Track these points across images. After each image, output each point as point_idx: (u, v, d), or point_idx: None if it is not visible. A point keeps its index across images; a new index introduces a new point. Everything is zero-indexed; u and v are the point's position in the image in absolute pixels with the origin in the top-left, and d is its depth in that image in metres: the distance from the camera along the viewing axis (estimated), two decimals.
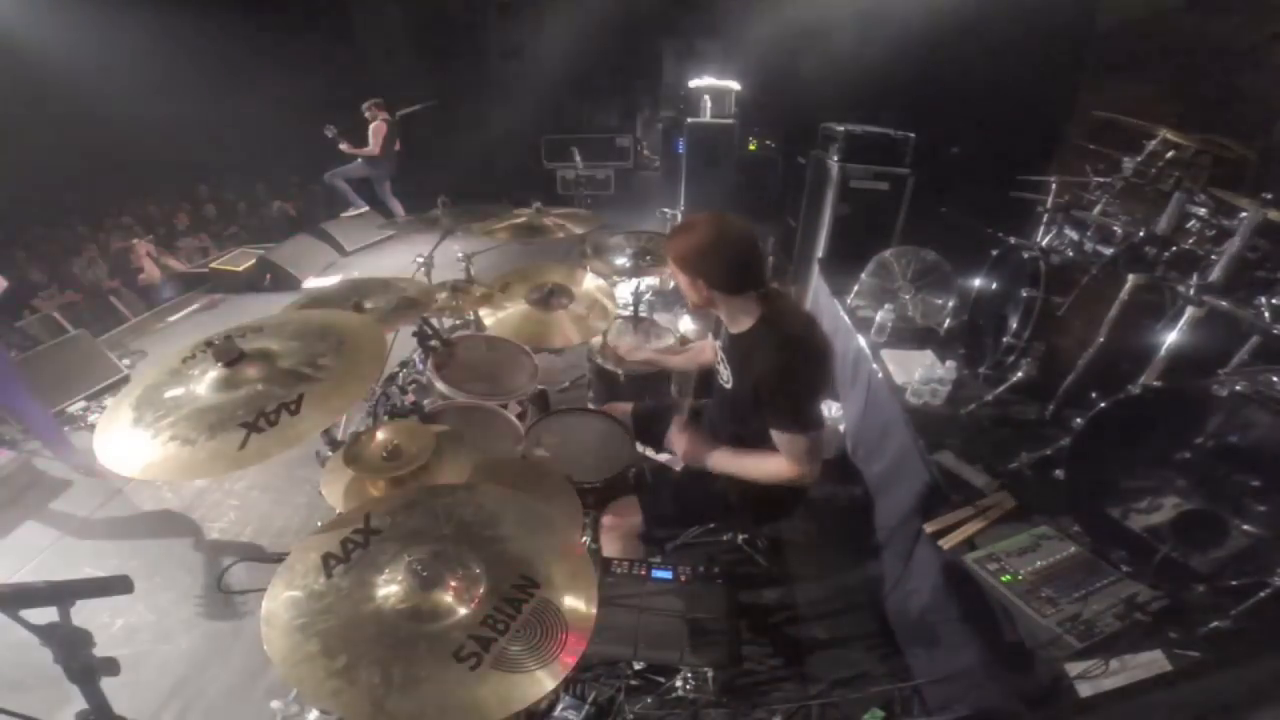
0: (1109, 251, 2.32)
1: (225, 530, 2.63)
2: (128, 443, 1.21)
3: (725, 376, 1.77)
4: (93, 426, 3.32)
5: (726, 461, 1.72)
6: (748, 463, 1.69)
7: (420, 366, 2.46)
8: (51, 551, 2.53)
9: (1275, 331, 1.69)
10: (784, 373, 1.54)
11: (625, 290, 3.17)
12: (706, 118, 4.88)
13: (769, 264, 4.53)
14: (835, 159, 3.84)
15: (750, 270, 1.58)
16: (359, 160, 6.31)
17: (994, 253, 2.69)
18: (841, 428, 2.98)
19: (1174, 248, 2.14)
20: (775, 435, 1.59)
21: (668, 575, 1.61)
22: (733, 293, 1.58)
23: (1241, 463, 1.49)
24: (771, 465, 1.63)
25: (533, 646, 0.98)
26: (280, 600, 1.04)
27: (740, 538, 2.36)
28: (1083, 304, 2.21)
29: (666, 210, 4.87)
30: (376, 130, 6.17)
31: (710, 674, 1.67)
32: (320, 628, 0.99)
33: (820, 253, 4.07)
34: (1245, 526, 1.48)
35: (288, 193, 7.01)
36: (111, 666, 0.97)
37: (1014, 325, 2.35)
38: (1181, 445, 1.58)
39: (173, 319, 4.76)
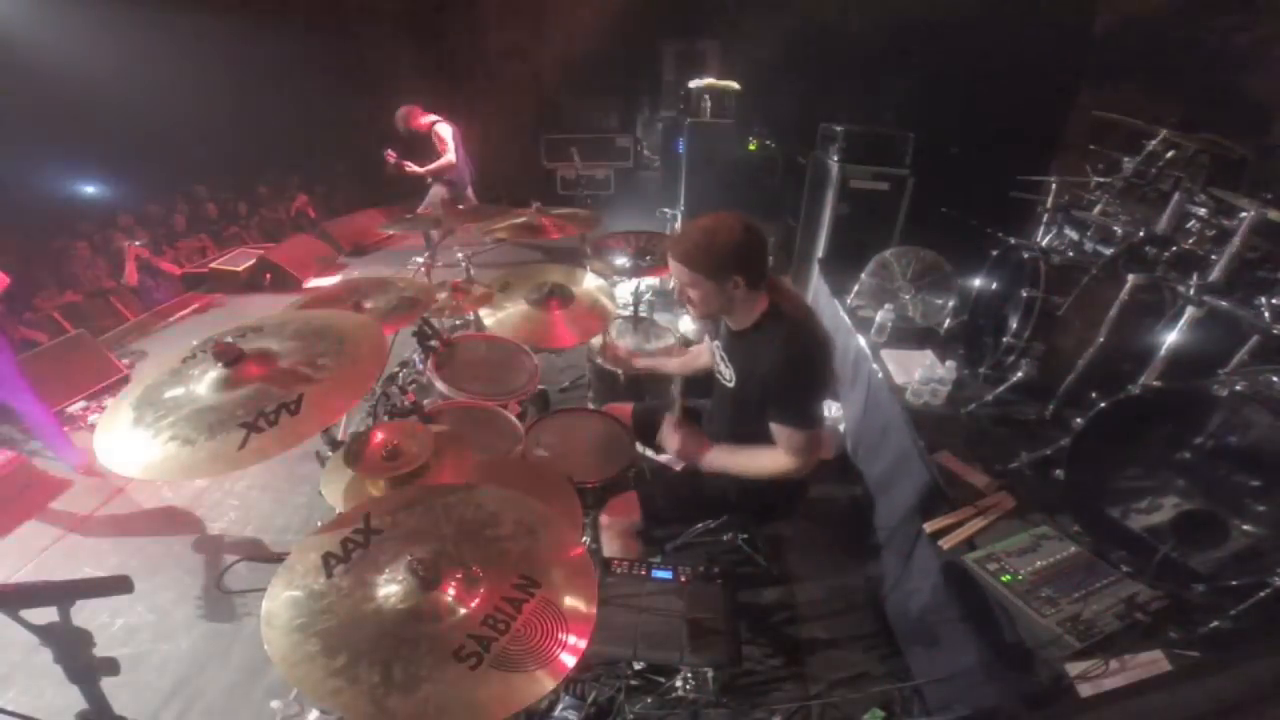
0: (1109, 251, 2.32)
1: (225, 530, 2.63)
2: (128, 443, 1.21)
3: (727, 376, 1.77)
4: (93, 426, 3.32)
5: (722, 459, 1.72)
6: (743, 458, 1.69)
7: (420, 366, 2.45)
8: (51, 551, 2.53)
9: (1275, 331, 1.69)
10: (794, 367, 1.54)
11: (625, 290, 3.17)
12: (706, 118, 4.88)
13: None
14: (835, 159, 3.85)
15: (768, 259, 1.60)
16: (434, 185, 5.07)
17: (994, 253, 2.69)
18: (841, 427, 2.98)
19: (1174, 248, 2.14)
20: (777, 429, 1.59)
21: (668, 575, 1.61)
22: (758, 286, 1.59)
23: (1241, 463, 1.49)
24: (767, 460, 1.63)
25: (533, 646, 0.98)
26: (280, 600, 1.04)
27: (740, 538, 2.35)
28: (1083, 304, 2.21)
29: (666, 210, 4.87)
30: (442, 133, 4.88)
31: (710, 674, 1.67)
32: (320, 627, 0.99)
33: (820, 253, 4.07)
34: (1245, 526, 1.48)
35: (313, 191, 7.00)
36: (111, 666, 0.97)
37: (1014, 325, 2.35)
38: (1181, 445, 1.58)
39: (173, 319, 4.76)
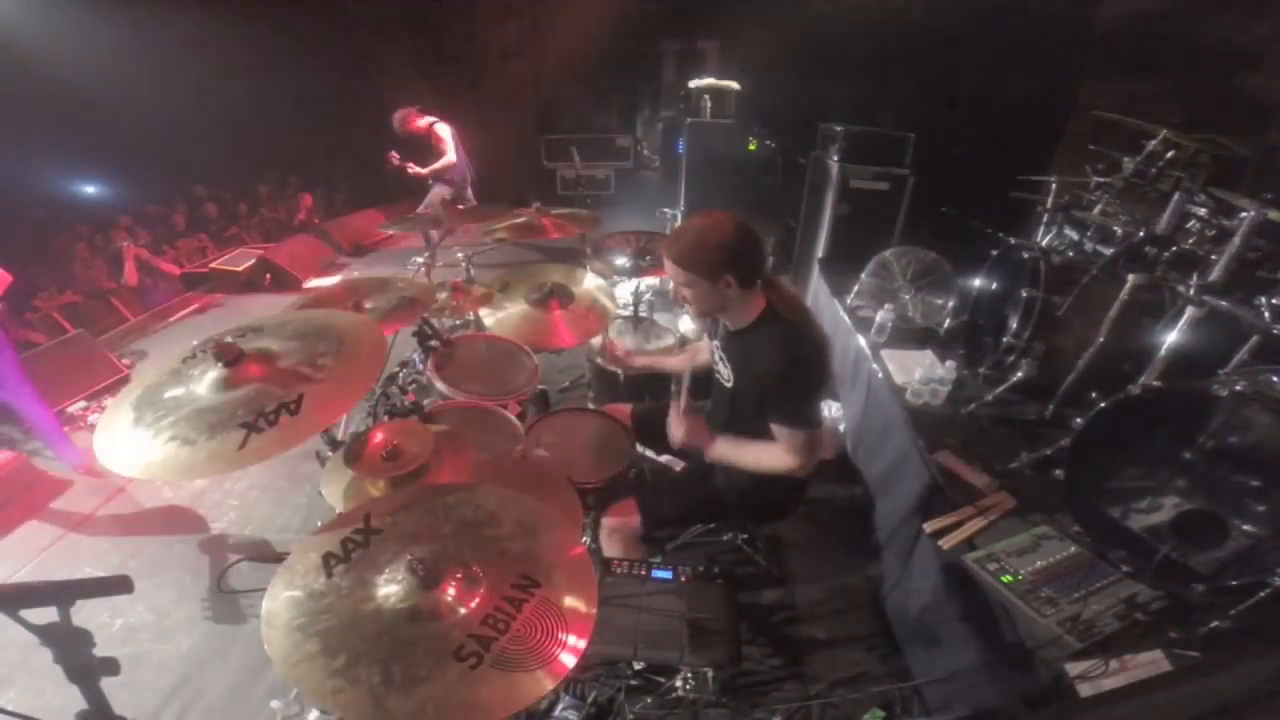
0: (1109, 251, 2.32)
1: (225, 530, 2.63)
2: (128, 443, 1.21)
3: (726, 376, 1.77)
4: (93, 426, 3.32)
5: (724, 450, 1.72)
6: (745, 451, 1.69)
7: (420, 366, 2.46)
8: (51, 551, 2.53)
9: (1275, 331, 1.69)
10: (790, 368, 1.55)
11: (625, 290, 3.17)
12: (706, 118, 4.88)
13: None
14: (835, 159, 3.84)
15: (765, 257, 1.61)
16: (434, 185, 5.08)
17: (994, 253, 2.69)
18: (841, 428, 2.98)
19: (1174, 248, 2.14)
20: (777, 429, 1.60)
21: (668, 575, 1.61)
22: (751, 285, 1.59)
23: (1241, 463, 1.49)
24: (769, 455, 1.63)
25: (533, 646, 0.98)
26: (280, 600, 1.04)
27: (740, 538, 2.36)
28: (1083, 304, 2.21)
29: (666, 210, 4.87)
30: (441, 133, 4.92)
31: (710, 674, 1.67)
32: (320, 627, 0.99)
33: (820, 253, 4.07)
34: (1245, 526, 1.48)
35: (313, 191, 7.00)
36: (111, 666, 0.97)
37: (1014, 325, 2.35)
38: (1181, 445, 1.58)
39: (173, 319, 4.76)
